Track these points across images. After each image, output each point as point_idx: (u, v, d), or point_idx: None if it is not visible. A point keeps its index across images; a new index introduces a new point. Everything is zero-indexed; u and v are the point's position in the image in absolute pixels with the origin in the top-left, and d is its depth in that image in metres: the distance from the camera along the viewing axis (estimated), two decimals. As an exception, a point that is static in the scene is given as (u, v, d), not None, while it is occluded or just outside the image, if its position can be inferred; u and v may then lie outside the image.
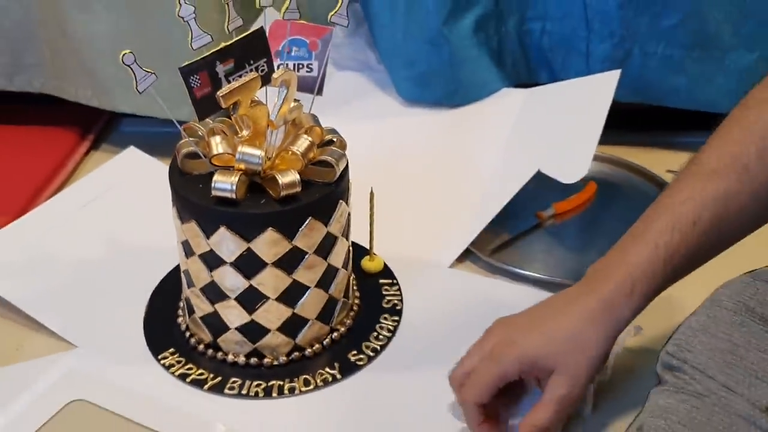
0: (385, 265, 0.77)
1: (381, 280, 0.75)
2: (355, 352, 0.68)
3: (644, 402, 0.53)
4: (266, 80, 0.62)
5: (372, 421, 0.62)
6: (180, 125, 0.64)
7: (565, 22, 0.90)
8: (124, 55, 0.56)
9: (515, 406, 0.58)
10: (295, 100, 0.63)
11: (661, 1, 0.85)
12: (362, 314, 0.72)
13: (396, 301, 0.73)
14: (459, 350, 0.60)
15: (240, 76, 0.60)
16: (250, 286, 0.63)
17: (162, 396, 0.64)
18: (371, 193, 0.73)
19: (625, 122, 0.87)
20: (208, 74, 0.59)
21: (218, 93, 0.58)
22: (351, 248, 0.70)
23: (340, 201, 0.64)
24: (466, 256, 0.78)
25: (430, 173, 0.87)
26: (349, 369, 0.66)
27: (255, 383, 0.65)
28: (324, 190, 0.63)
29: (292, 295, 0.64)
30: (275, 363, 0.66)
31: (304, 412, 0.63)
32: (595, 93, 0.82)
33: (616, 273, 0.54)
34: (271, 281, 0.63)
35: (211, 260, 0.63)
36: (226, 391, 0.65)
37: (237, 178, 0.60)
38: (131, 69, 0.56)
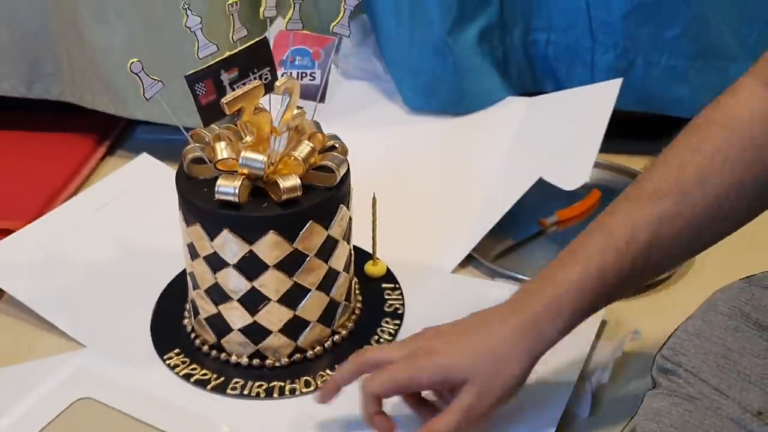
0: (388, 270, 0.78)
1: (384, 285, 0.77)
2: (355, 354, 0.69)
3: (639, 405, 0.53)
4: (269, 88, 0.64)
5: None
6: (188, 132, 0.66)
7: (569, 33, 0.91)
8: (131, 63, 0.58)
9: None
10: (298, 108, 0.65)
11: (664, 12, 0.86)
12: (364, 318, 0.73)
13: (398, 305, 0.74)
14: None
15: (244, 84, 0.62)
16: (253, 287, 0.65)
17: (166, 395, 0.66)
18: (374, 199, 0.74)
19: (629, 131, 0.88)
20: (213, 82, 0.61)
21: (222, 100, 0.60)
22: (353, 252, 0.71)
23: (341, 205, 0.66)
24: (469, 261, 0.80)
25: (434, 180, 0.88)
26: (349, 371, 0.67)
27: (257, 384, 0.66)
28: (325, 195, 0.64)
29: (293, 297, 0.66)
30: (277, 364, 0.68)
31: (305, 413, 0.64)
32: (597, 101, 0.83)
33: (544, 292, 0.54)
34: (272, 283, 0.65)
35: (215, 262, 0.65)
36: (229, 391, 0.66)
37: (240, 183, 0.62)
38: (138, 77, 0.58)
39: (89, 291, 0.76)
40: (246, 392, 0.66)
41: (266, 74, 0.64)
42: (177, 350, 0.70)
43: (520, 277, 0.76)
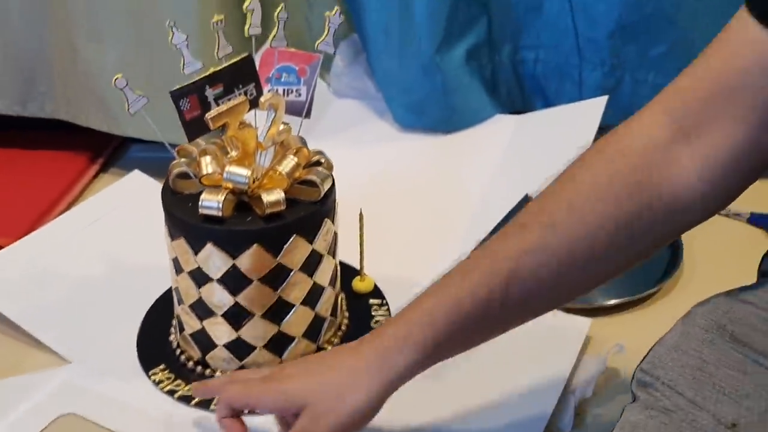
0: (376, 286, 0.78)
1: (371, 300, 0.77)
2: (340, 369, 0.69)
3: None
4: (255, 104, 0.64)
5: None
6: (173, 147, 0.66)
7: (557, 51, 0.92)
8: (116, 79, 0.59)
9: None
10: (284, 123, 0.66)
11: (650, 31, 0.87)
12: (350, 333, 0.73)
13: (384, 321, 0.74)
14: (443, 369, 0.60)
15: (229, 100, 0.63)
16: (236, 302, 0.65)
17: (150, 411, 0.66)
18: (361, 215, 0.75)
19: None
20: (198, 98, 0.61)
21: (207, 115, 0.61)
22: (339, 267, 0.72)
23: (326, 219, 0.66)
24: (456, 278, 0.80)
25: (424, 196, 0.89)
26: (333, 386, 0.67)
27: (241, 399, 0.66)
28: (309, 209, 0.65)
29: (277, 312, 0.66)
30: (262, 380, 0.68)
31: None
32: (583, 118, 0.84)
33: (397, 323, 0.54)
34: (256, 297, 0.65)
35: (199, 277, 0.65)
36: (213, 407, 0.66)
37: (224, 197, 0.62)
38: (123, 92, 0.59)
39: (77, 307, 0.76)
40: (230, 407, 0.66)
41: (251, 90, 0.64)
42: (162, 366, 0.70)
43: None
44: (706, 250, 0.83)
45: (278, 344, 0.67)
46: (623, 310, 0.76)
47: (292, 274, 0.65)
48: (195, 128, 0.62)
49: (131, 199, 0.89)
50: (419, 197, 0.89)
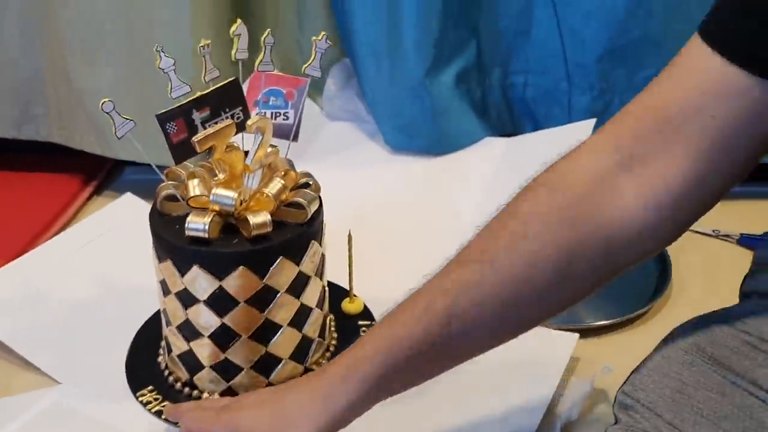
0: (365, 307, 0.78)
1: (360, 322, 0.77)
2: (327, 391, 0.69)
3: (602, 441, 0.53)
4: (242, 127, 0.65)
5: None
6: (161, 170, 0.67)
7: (546, 76, 0.93)
8: (103, 103, 0.60)
9: None
10: (272, 146, 0.67)
11: (637, 55, 0.88)
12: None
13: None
14: (432, 390, 0.60)
15: (216, 123, 0.64)
16: (223, 324, 0.65)
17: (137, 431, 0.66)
18: (349, 236, 0.75)
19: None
20: (185, 121, 0.62)
21: (193, 138, 0.62)
22: (327, 289, 0.72)
23: (313, 241, 0.67)
24: (445, 299, 0.80)
25: (413, 218, 0.89)
26: (320, 408, 0.67)
27: (228, 421, 0.66)
28: (295, 231, 0.65)
29: (264, 333, 0.66)
30: (249, 401, 0.68)
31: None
32: (571, 141, 0.84)
33: (342, 358, 0.54)
34: (243, 319, 0.65)
35: (186, 298, 0.65)
36: None
37: (210, 219, 0.63)
38: (110, 116, 0.60)
39: (68, 328, 0.77)
40: (216, 429, 0.66)
41: (238, 114, 0.65)
42: (150, 387, 0.70)
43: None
44: (696, 271, 0.83)
45: (265, 366, 0.67)
46: (612, 331, 0.76)
47: (278, 295, 0.65)
48: (182, 151, 0.63)
49: (123, 222, 0.90)
50: (410, 219, 0.89)
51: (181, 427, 0.60)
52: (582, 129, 0.85)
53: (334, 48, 1.00)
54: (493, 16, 0.92)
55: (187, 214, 0.64)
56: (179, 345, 0.68)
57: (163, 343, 0.73)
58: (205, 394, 0.68)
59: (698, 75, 0.48)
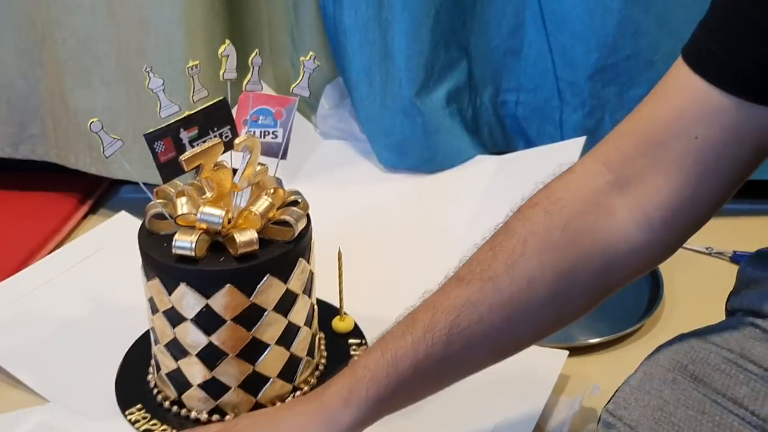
0: (356, 325, 0.78)
1: (351, 340, 0.77)
2: (315, 410, 0.69)
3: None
4: (230, 146, 0.66)
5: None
6: (148, 188, 0.68)
7: (538, 94, 0.94)
8: (91, 123, 0.60)
9: None
10: (261, 164, 0.67)
11: (627, 73, 0.89)
12: (328, 373, 0.73)
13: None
14: (421, 409, 0.59)
15: (204, 142, 0.64)
16: (210, 342, 0.65)
17: (125, 450, 0.66)
18: (339, 254, 0.75)
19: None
20: (173, 140, 0.63)
21: (181, 157, 0.62)
22: (316, 307, 0.72)
23: (300, 259, 0.67)
24: (436, 317, 0.80)
25: (405, 236, 0.90)
26: (308, 426, 0.67)
27: (216, 440, 0.66)
28: (283, 249, 0.65)
29: (252, 352, 0.66)
30: (237, 420, 0.68)
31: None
32: (561, 158, 0.84)
33: (341, 378, 0.54)
34: (230, 338, 0.65)
35: (174, 317, 0.65)
36: (185, 448, 0.66)
37: (197, 237, 0.63)
38: (98, 136, 0.61)
39: (60, 347, 0.77)
40: (204, 448, 0.66)
41: (227, 133, 0.66)
42: (139, 405, 0.70)
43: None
44: (688, 288, 0.83)
45: (253, 384, 0.67)
46: (603, 349, 0.76)
47: (266, 314, 0.65)
48: (170, 170, 0.63)
49: (117, 240, 0.90)
50: (402, 237, 0.90)
51: None
52: (572, 147, 0.85)
53: (328, 67, 1.01)
54: (483, 36, 0.93)
55: (174, 233, 0.65)
56: (168, 363, 0.68)
57: (152, 362, 0.73)
58: (194, 413, 0.68)
59: (681, 97, 0.49)
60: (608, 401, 0.55)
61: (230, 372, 0.66)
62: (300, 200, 0.70)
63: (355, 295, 0.78)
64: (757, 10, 0.46)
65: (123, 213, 0.94)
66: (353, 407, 0.52)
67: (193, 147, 0.64)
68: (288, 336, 0.68)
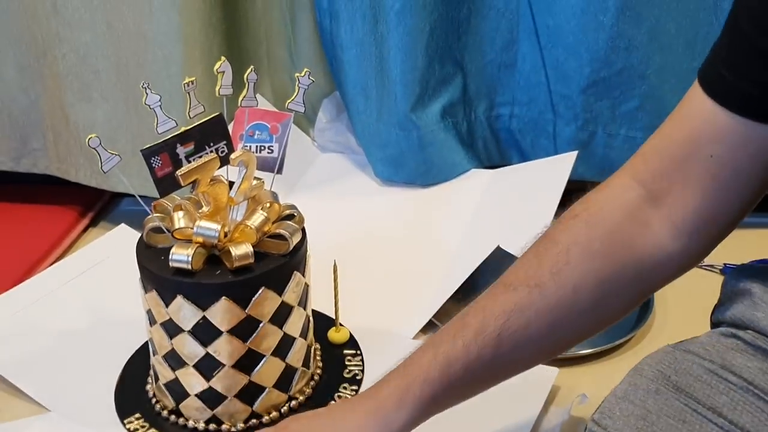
0: (351, 336, 0.79)
1: (345, 351, 0.78)
2: (311, 420, 0.70)
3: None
4: (226, 161, 0.67)
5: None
6: (147, 202, 0.69)
7: (532, 107, 0.95)
8: (89, 139, 0.62)
9: None
10: (257, 179, 0.68)
11: (620, 87, 0.90)
12: (323, 383, 0.74)
13: (357, 371, 0.75)
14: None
15: (200, 157, 0.66)
16: (207, 353, 0.66)
17: (123, 459, 0.67)
18: (335, 266, 0.76)
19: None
20: (169, 155, 0.64)
21: (177, 172, 0.63)
22: (311, 318, 0.73)
23: (295, 272, 0.68)
24: (430, 327, 0.81)
25: (400, 248, 0.91)
26: (303, 436, 0.68)
27: (212, 448, 0.68)
28: (278, 262, 0.67)
29: (248, 362, 0.67)
30: (233, 429, 0.69)
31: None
32: (553, 173, 0.86)
33: (394, 380, 0.55)
34: (226, 349, 0.66)
35: (171, 328, 0.67)
36: (184, 456, 0.67)
37: (193, 250, 0.64)
38: (96, 151, 0.62)
39: (61, 357, 0.78)
40: (200, 457, 0.67)
41: (223, 148, 0.67)
42: (138, 415, 0.71)
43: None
44: (678, 300, 0.84)
45: (249, 394, 0.68)
46: (594, 360, 0.76)
47: (261, 325, 0.67)
48: (166, 185, 0.65)
49: (116, 253, 0.92)
50: (397, 249, 0.91)
51: None
52: (565, 161, 0.86)
53: (325, 81, 1.02)
54: (478, 50, 0.94)
55: (172, 246, 0.66)
56: (166, 374, 0.69)
57: (151, 372, 0.74)
58: (191, 422, 0.69)
59: (696, 118, 0.52)
60: (595, 411, 0.56)
61: (227, 382, 0.68)
62: (295, 214, 0.71)
63: (350, 307, 0.79)
64: (761, 37, 0.48)
65: (123, 226, 0.96)
66: (407, 408, 0.54)
67: (189, 162, 0.65)
68: (283, 347, 0.69)
